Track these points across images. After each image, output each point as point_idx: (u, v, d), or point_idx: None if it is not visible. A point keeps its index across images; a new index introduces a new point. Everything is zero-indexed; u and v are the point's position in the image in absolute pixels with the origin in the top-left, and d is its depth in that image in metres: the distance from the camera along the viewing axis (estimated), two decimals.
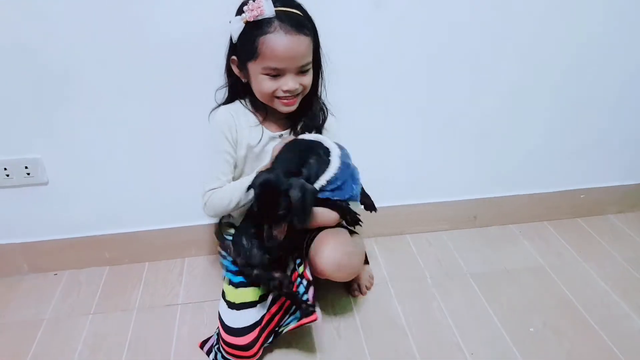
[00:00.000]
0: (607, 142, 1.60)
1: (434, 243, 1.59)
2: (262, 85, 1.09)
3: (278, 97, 1.12)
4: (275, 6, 1.03)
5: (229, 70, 1.17)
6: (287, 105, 1.13)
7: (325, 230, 1.19)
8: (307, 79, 1.11)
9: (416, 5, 1.28)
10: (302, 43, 1.05)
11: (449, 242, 1.59)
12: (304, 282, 1.15)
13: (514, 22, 1.36)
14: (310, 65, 1.11)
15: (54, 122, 1.30)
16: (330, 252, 1.13)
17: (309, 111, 1.21)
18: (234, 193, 1.14)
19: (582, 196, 1.66)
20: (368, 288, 1.39)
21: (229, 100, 1.22)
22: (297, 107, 1.16)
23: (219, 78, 1.23)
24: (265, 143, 1.19)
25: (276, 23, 1.02)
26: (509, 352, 1.19)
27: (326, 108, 1.25)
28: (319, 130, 1.22)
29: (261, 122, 1.19)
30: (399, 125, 1.46)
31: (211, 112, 1.22)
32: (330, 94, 1.26)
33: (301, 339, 1.23)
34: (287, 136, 1.20)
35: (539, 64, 1.43)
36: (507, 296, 1.36)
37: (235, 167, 1.20)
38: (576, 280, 1.41)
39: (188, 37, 1.22)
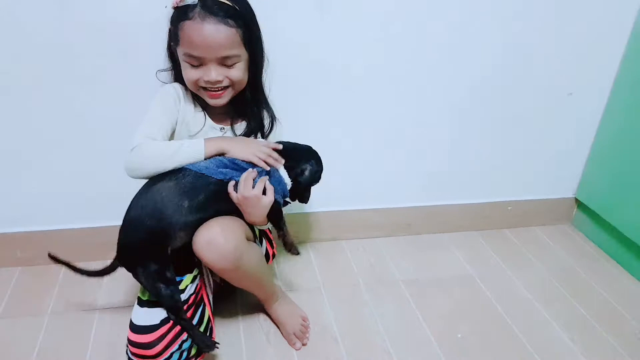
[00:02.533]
0: (534, 158, 1.67)
1: (368, 249, 1.59)
2: (186, 73, 1.07)
3: (204, 89, 1.08)
4: None
5: (170, 55, 1.14)
6: (212, 97, 1.09)
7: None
8: (235, 73, 1.06)
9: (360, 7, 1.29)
10: (221, 32, 1.00)
11: (383, 249, 1.59)
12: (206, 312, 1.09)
13: (450, 38, 1.39)
14: (240, 59, 1.06)
15: None
16: (204, 230, 1.01)
17: (253, 111, 1.17)
18: (177, 154, 1.01)
19: (509, 208, 1.73)
20: (302, 337, 1.22)
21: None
22: (241, 104, 1.13)
23: (147, 67, 1.17)
24: (205, 132, 1.14)
25: (197, 9, 1.00)
26: (436, 358, 1.20)
27: (274, 117, 1.21)
28: (263, 137, 1.19)
29: (204, 108, 1.15)
30: (335, 132, 1.46)
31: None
32: (273, 94, 1.24)
33: (229, 345, 1.18)
34: (229, 132, 1.16)
35: (473, 78, 1.47)
36: (436, 303, 1.38)
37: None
38: (503, 289, 1.45)
39: (120, 19, 1.16)
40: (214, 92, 1.08)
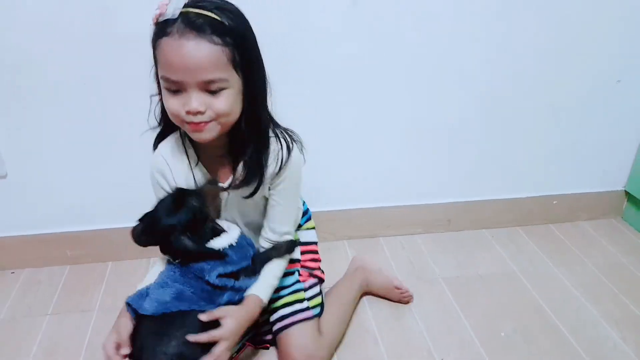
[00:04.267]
0: (580, 149, 1.61)
1: (407, 246, 1.57)
2: (166, 102, 0.89)
3: (187, 122, 0.88)
4: (185, 6, 0.83)
5: (158, 83, 0.93)
6: (194, 130, 0.89)
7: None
8: (221, 103, 0.86)
9: (393, 6, 1.27)
10: (202, 49, 0.81)
11: (422, 246, 1.57)
12: None
13: (488, 29, 1.36)
14: (227, 85, 0.86)
15: (13, 113, 1.25)
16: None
17: (248, 153, 0.96)
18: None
19: (554, 202, 1.67)
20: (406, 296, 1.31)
21: (162, 123, 1.02)
22: (240, 142, 0.95)
23: None
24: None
25: (177, 24, 0.82)
26: (479, 356, 1.17)
27: (289, 143, 0.99)
28: (273, 176, 1.00)
29: (197, 162, 1.00)
30: (374, 128, 1.45)
31: (154, 144, 1.05)
32: (306, 93, 1.23)
33: None
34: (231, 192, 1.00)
35: (514, 70, 1.43)
36: (478, 301, 1.35)
37: None
38: (547, 286, 1.41)
39: None
40: (197, 125, 0.88)
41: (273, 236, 1.07)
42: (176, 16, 0.82)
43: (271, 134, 0.99)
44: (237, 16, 0.87)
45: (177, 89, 0.86)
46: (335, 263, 1.45)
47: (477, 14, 1.33)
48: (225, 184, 0.99)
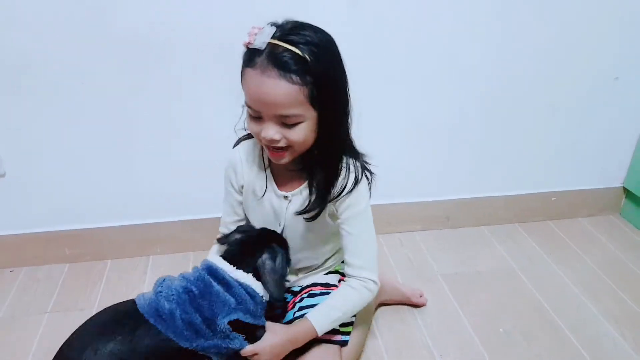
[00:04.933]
0: (579, 147, 1.61)
1: (405, 243, 1.57)
2: (249, 123, 0.94)
3: (266, 145, 0.94)
4: (273, 36, 0.84)
5: None
6: (273, 156, 0.94)
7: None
8: (296, 135, 0.89)
9: (393, 5, 1.27)
10: (280, 88, 0.83)
11: (421, 243, 1.57)
12: None
13: (488, 28, 1.36)
14: (303, 119, 0.88)
15: (11, 113, 1.25)
16: None
17: (318, 173, 0.98)
18: None
19: (553, 199, 1.67)
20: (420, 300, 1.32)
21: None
22: (310, 163, 0.97)
23: (183, 73, 1.19)
24: (269, 198, 1.03)
25: (262, 57, 0.84)
26: (478, 353, 1.18)
27: (358, 175, 1.00)
28: (334, 198, 0.99)
29: (266, 167, 1.03)
30: (373, 125, 1.43)
31: (236, 142, 1.08)
32: None
33: None
34: (295, 200, 1.02)
35: (513, 69, 1.43)
36: (477, 298, 1.35)
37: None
38: (546, 282, 1.41)
39: (156, 31, 1.18)
40: (274, 152, 0.93)
41: (351, 271, 1.02)
42: (263, 47, 0.84)
43: (344, 161, 0.99)
44: (324, 50, 0.87)
45: (256, 116, 0.90)
46: None
47: (476, 13, 1.33)
48: (289, 194, 1.02)
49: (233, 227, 1.09)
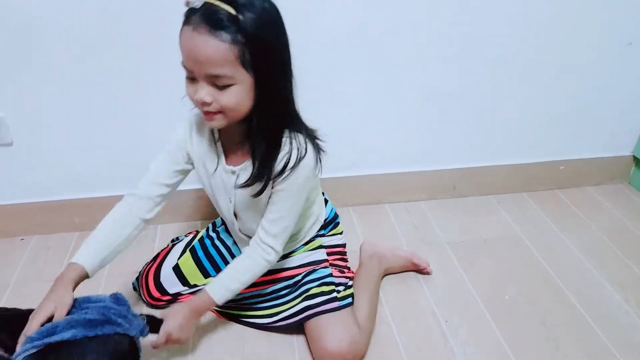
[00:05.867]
0: (588, 114, 1.59)
1: (412, 212, 1.57)
2: (186, 86, 0.91)
3: (200, 108, 0.91)
4: None
5: None
6: (207, 119, 0.92)
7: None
8: (226, 98, 0.87)
9: None
10: (209, 45, 0.82)
11: (428, 212, 1.57)
12: None
13: None
14: (234, 81, 0.85)
15: (18, 80, 1.24)
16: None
17: (259, 146, 0.95)
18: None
19: (561, 167, 1.66)
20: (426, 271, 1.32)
21: None
22: (252, 134, 0.94)
23: None
24: (220, 174, 1.03)
25: (196, 15, 0.82)
26: (483, 320, 1.19)
27: (301, 149, 0.96)
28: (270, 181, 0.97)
29: (216, 141, 1.02)
30: (378, 94, 1.43)
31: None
32: (307, 61, 1.21)
33: None
34: (242, 174, 1.00)
35: (517, 33, 1.40)
36: (483, 265, 1.35)
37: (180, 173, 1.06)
38: (553, 250, 1.41)
39: None
40: (208, 114, 0.91)
41: (262, 235, 1.02)
42: (199, 6, 0.82)
43: (287, 134, 0.96)
44: (261, 13, 0.84)
45: (191, 77, 0.88)
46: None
47: None
48: (237, 168, 1.00)
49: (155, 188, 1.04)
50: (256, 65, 0.85)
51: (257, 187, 0.98)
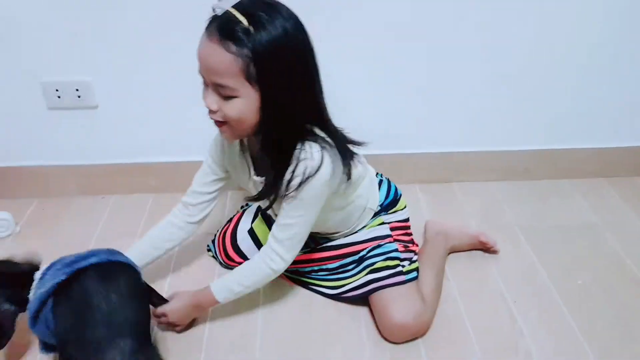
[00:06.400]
0: None
1: (481, 193, 1.54)
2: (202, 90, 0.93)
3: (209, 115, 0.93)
4: (234, 6, 0.82)
5: None
6: (218, 127, 0.94)
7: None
8: (230, 109, 0.87)
9: None
10: (215, 54, 0.82)
11: (498, 194, 1.53)
12: None
13: None
14: (237, 94, 0.85)
15: (105, 45, 1.30)
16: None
17: (275, 157, 0.94)
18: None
19: None
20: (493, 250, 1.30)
21: None
22: (264, 146, 0.95)
23: None
24: (253, 183, 1.05)
25: (215, 23, 0.83)
26: (553, 303, 1.16)
27: (315, 163, 0.91)
28: (283, 192, 0.94)
29: (245, 151, 1.04)
30: (454, 71, 1.40)
31: None
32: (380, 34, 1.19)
33: None
34: (260, 181, 1.01)
35: (605, 5, 1.32)
36: (555, 250, 1.31)
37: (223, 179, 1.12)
38: (630, 239, 1.35)
39: None
40: (216, 123, 0.92)
41: (271, 241, 1.01)
42: (220, 14, 0.83)
43: (300, 146, 0.92)
44: (278, 32, 0.82)
45: (204, 83, 0.89)
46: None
47: None
48: (263, 179, 1.00)
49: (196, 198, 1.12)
50: (262, 81, 0.84)
51: (266, 202, 0.99)
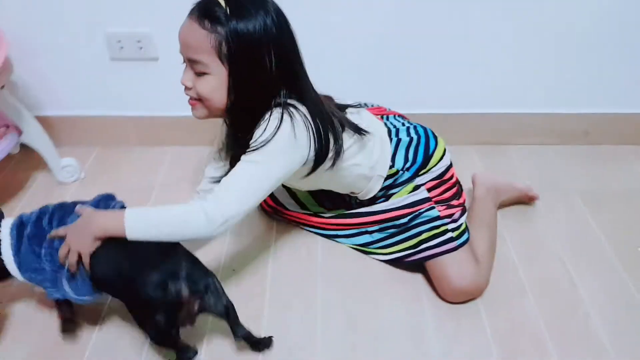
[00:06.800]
0: None
1: (537, 157, 1.51)
2: None
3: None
4: None
5: None
6: (191, 108, 0.98)
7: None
8: (202, 86, 0.92)
9: None
10: (191, 30, 0.89)
11: (555, 158, 1.51)
12: None
13: None
14: (208, 70, 0.90)
15: None
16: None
17: (244, 124, 0.96)
18: None
19: None
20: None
21: None
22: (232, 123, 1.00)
23: None
24: None
25: (196, 6, 0.90)
26: (612, 267, 1.16)
27: (280, 123, 0.91)
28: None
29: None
30: (512, 31, 1.36)
31: None
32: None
33: None
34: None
35: None
36: (613, 215, 1.29)
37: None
38: None
39: None
40: (190, 102, 0.97)
41: (214, 189, 0.94)
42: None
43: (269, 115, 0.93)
44: (257, 19, 0.87)
45: (184, 61, 0.94)
46: (458, 165, 1.42)
47: None
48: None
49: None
50: (232, 62, 0.89)
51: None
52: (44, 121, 1.36)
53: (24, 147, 1.38)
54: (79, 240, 0.87)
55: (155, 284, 0.83)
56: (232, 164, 0.98)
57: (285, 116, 0.92)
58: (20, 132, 1.29)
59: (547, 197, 1.34)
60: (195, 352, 0.92)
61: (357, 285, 1.12)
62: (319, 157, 0.98)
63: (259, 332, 1.00)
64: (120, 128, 1.53)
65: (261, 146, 0.91)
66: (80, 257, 0.87)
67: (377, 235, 1.17)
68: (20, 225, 0.91)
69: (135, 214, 0.88)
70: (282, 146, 0.92)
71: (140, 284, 0.83)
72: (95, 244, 0.87)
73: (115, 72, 1.43)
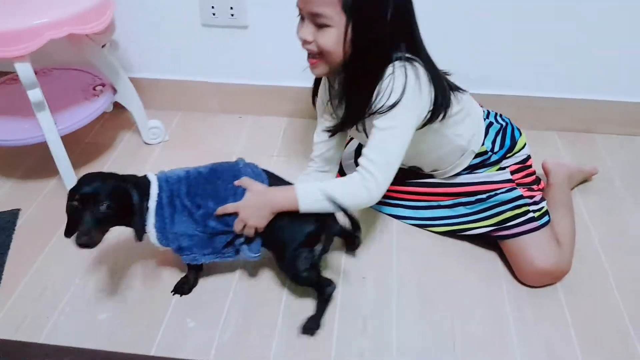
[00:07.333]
0: None
1: (626, 146, 1.45)
2: (297, 26, 0.96)
3: (305, 48, 0.96)
4: None
5: None
6: (311, 67, 0.97)
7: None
8: (324, 39, 0.90)
9: None
10: None
11: None
12: None
13: None
14: (331, 22, 0.88)
15: None
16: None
17: (350, 99, 0.99)
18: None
19: None
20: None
21: None
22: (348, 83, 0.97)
23: None
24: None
25: None
26: None
27: (401, 84, 0.91)
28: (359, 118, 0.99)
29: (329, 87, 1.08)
30: (604, 13, 1.29)
31: None
32: None
33: None
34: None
35: None
36: None
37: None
38: None
39: None
40: (310, 59, 0.96)
41: (363, 161, 0.96)
42: None
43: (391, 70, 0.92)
44: None
45: (301, 15, 0.93)
46: (544, 152, 1.38)
47: None
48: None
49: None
50: (355, 12, 0.87)
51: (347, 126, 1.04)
52: (133, 83, 1.42)
53: (115, 106, 1.45)
54: (257, 218, 0.95)
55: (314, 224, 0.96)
56: (347, 123, 1.02)
57: (409, 71, 0.92)
58: (115, 91, 1.36)
59: (635, 187, 1.29)
60: (335, 286, 1.01)
61: (431, 262, 1.13)
62: (433, 114, 0.97)
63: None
64: (202, 94, 1.58)
65: (392, 108, 0.91)
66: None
67: (460, 210, 1.15)
68: (170, 194, 0.96)
69: (305, 192, 0.95)
70: (411, 104, 0.93)
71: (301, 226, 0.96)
72: (270, 218, 0.95)
73: (205, 38, 1.46)
